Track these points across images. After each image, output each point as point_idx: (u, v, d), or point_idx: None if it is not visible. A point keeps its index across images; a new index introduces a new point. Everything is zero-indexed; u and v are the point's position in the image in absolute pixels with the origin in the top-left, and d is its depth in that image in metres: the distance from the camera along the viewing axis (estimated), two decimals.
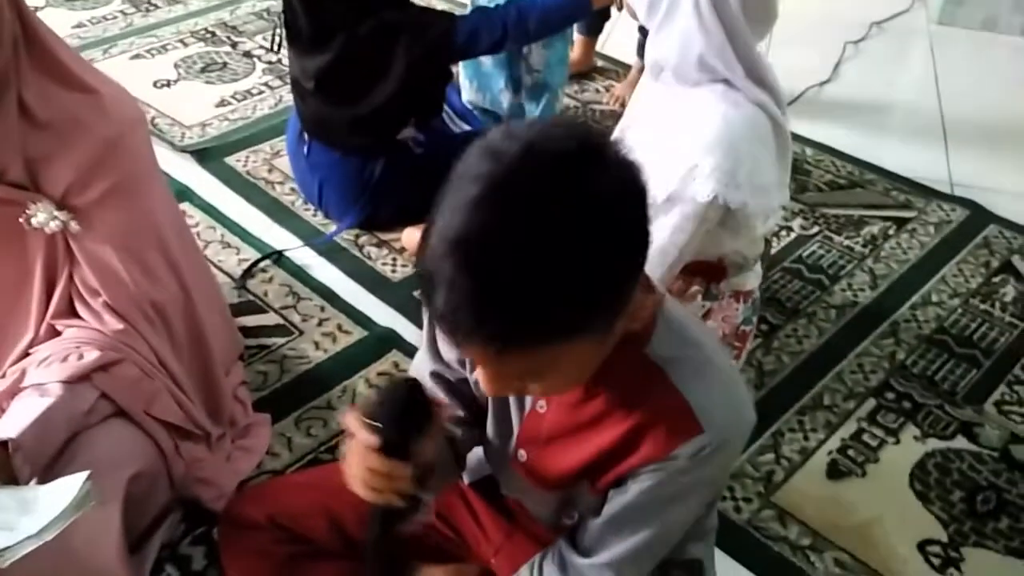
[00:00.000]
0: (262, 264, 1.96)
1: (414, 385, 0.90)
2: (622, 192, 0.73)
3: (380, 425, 0.85)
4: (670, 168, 1.32)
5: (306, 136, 2.02)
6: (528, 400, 0.98)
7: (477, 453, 1.12)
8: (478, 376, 0.82)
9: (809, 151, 2.44)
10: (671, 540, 1.00)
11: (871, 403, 1.71)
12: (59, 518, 0.95)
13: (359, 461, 0.87)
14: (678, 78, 1.37)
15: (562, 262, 0.69)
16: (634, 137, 1.42)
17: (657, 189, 1.33)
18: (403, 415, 0.86)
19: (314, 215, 2.13)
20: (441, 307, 0.71)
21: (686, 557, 1.09)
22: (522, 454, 1.01)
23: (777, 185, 1.39)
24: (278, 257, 1.99)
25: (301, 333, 1.80)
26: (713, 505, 1.11)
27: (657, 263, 1.37)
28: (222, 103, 2.53)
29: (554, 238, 0.68)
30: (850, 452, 1.62)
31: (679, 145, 1.34)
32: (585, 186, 0.70)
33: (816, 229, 2.17)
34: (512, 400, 1.00)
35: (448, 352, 1.03)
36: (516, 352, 0.73)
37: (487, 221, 0.69)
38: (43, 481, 1.13)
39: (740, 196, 1.31)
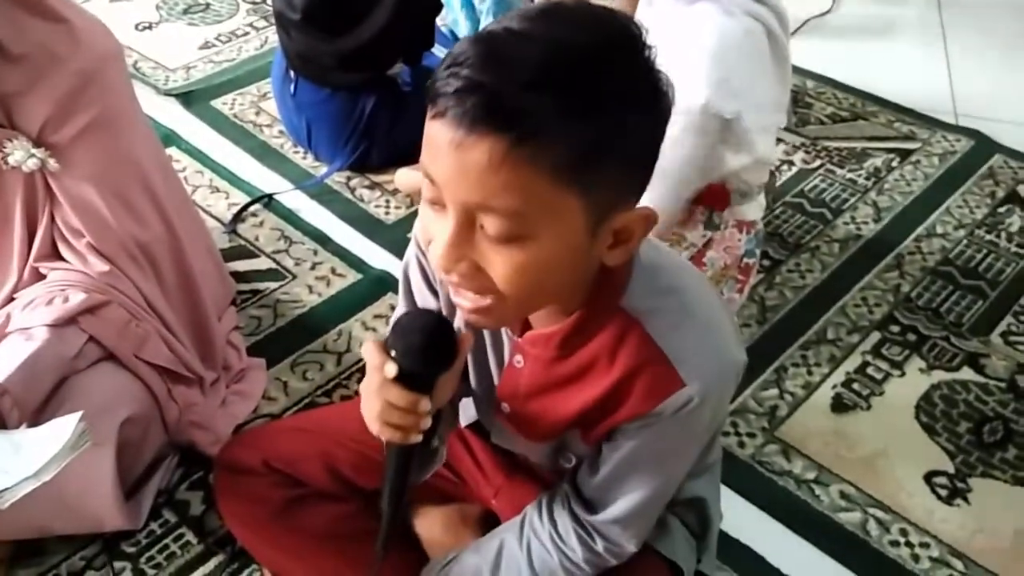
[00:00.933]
0: (252, 208, 1.91)
1: (440, 316, 0.84)
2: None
3: (402, 355, 0.79)
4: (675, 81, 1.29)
5: (292, 74, 1.96)
6: (506, 353, 0.94)
7: (470, 399, 1.10)
8: (438, 239, 0.73)
9: (810, 83, 2.39)
10: (674, 487, 0.98)
11: (876, 336, 1.69)
12: (55, 458, 0.92)
13: (376, 393, 0.81)
14: None
15: (602, 81, 0.67)
16: None
17: None
18: (427, 346, 0.80)
19: (304, 157, 2.07)
20: (472, 76, 0.66)
21: (688, 495, 1.07)
22: (505, 407, 0.98)
23: (775, 103, 1.35)
24: (268, 201, 1.94)
25: (294, 277, 1.76)
26: (714, 440, 1.09)
27: (661, 185, 1.33)
28: (206, 45, 2.46)
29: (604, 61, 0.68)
30: (855, 386, 1.60)
31: (675, 59, 1.30)
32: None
33: (818, 163, 2.13)
34: (490, 352, 0.96)
35: (425, 298, 0.99)
36: (516, 167, 0.66)
37: (540, 25, 0.69)
38: (32, 426, 1.10)
39: (734, 105, 1.28)
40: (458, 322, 0.92)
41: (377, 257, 1.82)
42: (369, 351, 0.81)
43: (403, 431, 0.81)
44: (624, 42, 0.71)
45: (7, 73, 1.13)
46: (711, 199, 1.46)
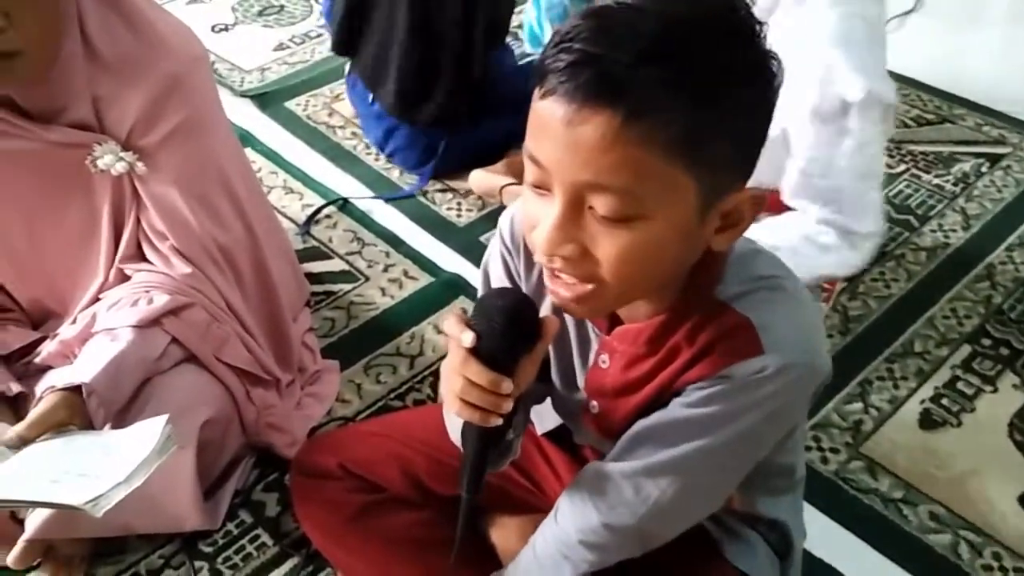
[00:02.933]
0: (326, 210, 1.92)
1: (524, 296, 0.81)
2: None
3: (484, 334, 0.76)
4: (801, 80, 1.23)
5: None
6: (592, 355, 0.91)
7: (547, 405, 1.07)
8: (543, 222, 0.71)
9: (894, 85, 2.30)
10: (689, 491, 0.88)
11: (966, 350, 1.62)
12: (144, 463, 0.92)
13: (457, 369, 0.77)
14: None
15: (722, 63, 0.66)
16: None
17: (796, 107, 1.25)
18: (511, 325, 0.76)
19: (376, 160, 2.07)
20: (585, 50, 0.64)
21: (771, 516, 1.03)
22: (594, 405, 0.95)
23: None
24: (344, 204, 1.94)
25: (367, 279, 1.76)
26: (798, 456, 1.03)
27: (866, 187, 1.29)
28: (280, 47, 2.48)
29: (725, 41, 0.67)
30: (944, 401, 1.53)
31: (807, 60, 1.24)
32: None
33: (903, 167, 2.05)
34: (575, 352, 0.94)
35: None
36: (629, 143, 0.64)
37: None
38: (117, 426, 1.11)
39: (889, 87, 1.22)
40: (544, 309, 0.89)
41: (449, 260, 1.81)
42: (451, 324, 0.78)
43: (482, 412, 0.78)
44: (736, 16, 0.69)
45: (99, 77, 1.14)
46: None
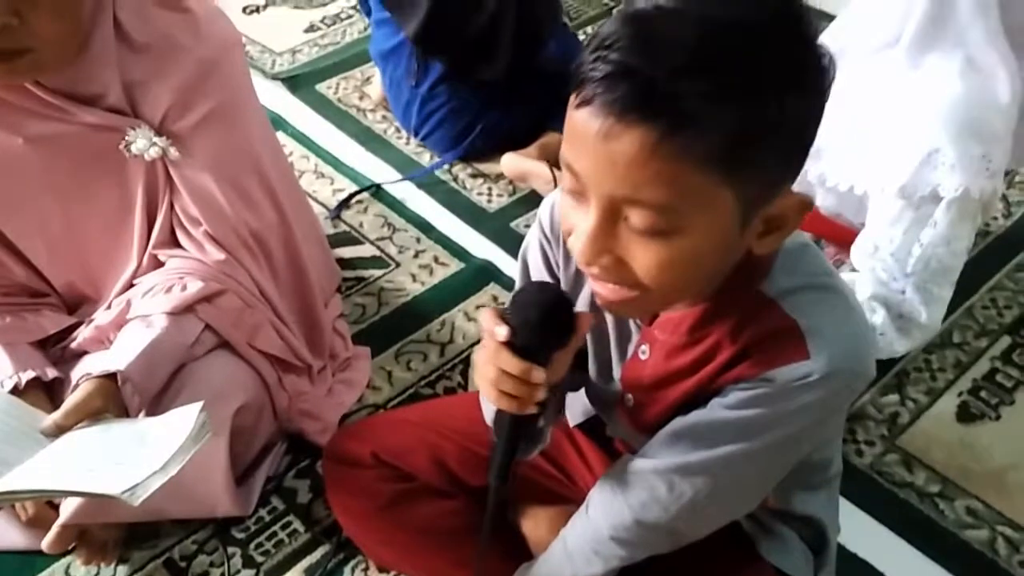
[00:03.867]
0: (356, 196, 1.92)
1: (559, 292, 0.82)
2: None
3: (518, 328, 0.77)
4: (901, 154, 1.16)
5: (416, 64, 1.94)
6: (631, 346, 0.90)
7: (581, 396, 1.06)
8: (578, 231, 0.71)
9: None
10: (728, 492, 0.88)
11: (1006, 341, 1.59)
12: (180, 451, 0.93)
13: (491, 359, 0.78)
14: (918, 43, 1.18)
15: (760, 75, 0.63)
16: (846, 115, 1.26)
17: (885, 178, 1.18)
18: (543, 321, 0.78)
19: (407, 143, 2.07)
20: (622, 60, 0.63)
21: (806, 512, 1.01)
22: (629, 398, 0.94)
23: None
24: (377, 189, 1.93)
25: (398, 265, 1.76)
26: (834, 451, 1.01)
27: (943, 282, 1.25)
28: (311, 28, 2.47)
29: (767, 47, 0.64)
30: (983, 394, 1.50)
31: (912, 124, 1.16)
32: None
33: None
34: (613, 344, 0.93)
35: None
36: (667, 159, 0.63)
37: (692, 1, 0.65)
38: (151, 413, 1.12)
39: (993, 184, 1.13)
40: (581, 304, 0.90)
41: (479, 246, 1.80)
42: (486, 318, 0.79)
43: (517, 401, 0.79)
44: (783, 17, 0.66)
45: (132, 62, 1.14)
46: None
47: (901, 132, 1.18)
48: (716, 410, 0.82)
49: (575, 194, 0.71)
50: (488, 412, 0.93)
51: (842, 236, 1.37)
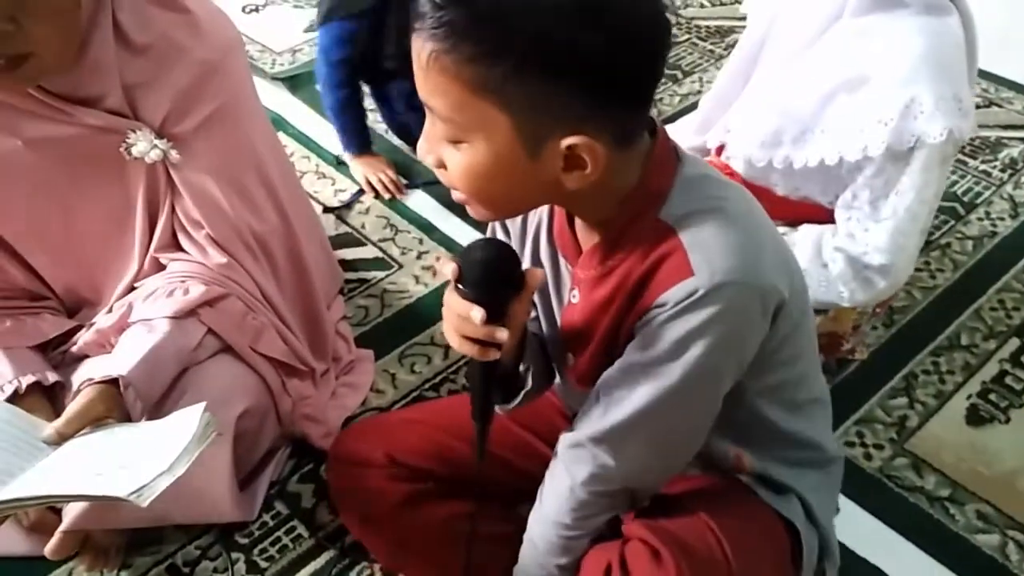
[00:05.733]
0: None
1: (502, 246, 0.84)
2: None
3: (465, 281, 0.81)
4: (876, 112, 1.17)
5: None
6: (565, 293, 0.92)
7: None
8: None
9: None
10: (666, 446, 0.90)
11: (1014, 343, 1.58)
12: (185, 452, 0.92)
13: (445, 301, 0.84)
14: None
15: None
16: (801, 82, 1.26)
17: (868, 141, 1.18)
18: (486, 274, 0.81)
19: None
20: None
21: (793, 487, 1.00)
22: (570, 358, 0.96)
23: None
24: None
25: (400, 266, 1.74)
26: (812, 428, 1.00)
27: (911, 230, 1.24)
28: (311, 27, 2.45)
29: None
30: (992, 396, 1.49)
31: (880, 82, 1.17)
32: None
33: None
34: (553, 295, 0.96)
35: (497, 234, 0.99)
36: (440, 72, 0.71)
37: None
38: (153, 418, 1.10)
39: (969, 123, 1.14)
40: (525, 260, 0.95)
41: None
42: (441, 262, 0.85)
43: (480, 347, 0.83)
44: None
45: (132, 64, 1.13)
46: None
47: (872, 92, 1.18)
48: (628, 354, 0.84)
49: None
50: None
51: (816, 215, 1.37)
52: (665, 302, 0.78)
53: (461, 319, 0.82)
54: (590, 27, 0.69)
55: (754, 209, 0.85)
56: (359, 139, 1.94)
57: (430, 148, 0.79)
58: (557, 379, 1.08)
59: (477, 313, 0.80)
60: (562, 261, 0.93)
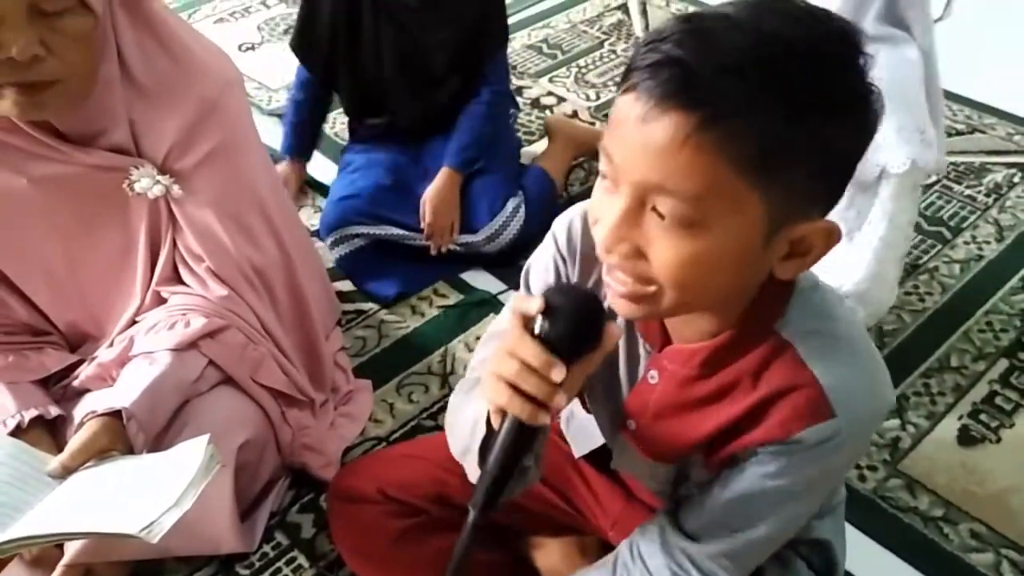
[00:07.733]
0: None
1: (593, 294, 0.75)
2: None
3: (555, 307, 0.70)
4: None
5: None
6: (640, 368, 0.90)
7: (585, 426, 1.06)
8: (605, 218, 0.70)
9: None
10: (786, 537, 0.91)
11: (1003, 364, 1.60)
12: (191, 485, 0.93)
13: (512, 347, 0.71)
14: None
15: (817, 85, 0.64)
16: None
17: None
18: (582, 308, 0.71)
19: None
20: (670, 52, 0.64)
21: (812, 536, 1.02)
22: (631, 424, 0.94)
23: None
24: None
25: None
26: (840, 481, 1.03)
27: (887, 257, 1.26)
28: None
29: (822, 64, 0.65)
30: (982, 417, 1.51)
31: None
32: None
33: (934, 179, 2.03)
34: (623, 366, 0.92)
35: None
36: (700, 149, 0.63)
37: (752, 13, 0.66)
38: (155, 450, 1.12)
39: (932, 154, 1.18)
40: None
41: (478, 278, 1.81)
42: (518, 298, 0.74)
43: (532, 405, 0.71)
44: (837, 45, 0.67)
45: (136, 101, 1.15)
46: None
47: None
48: (758, 480, 0.83)
49: (608, 181, 0.72)
50: (457, 441, 0.90)
51: None
52: (802, 440, 0.78)
53: (526, 371, 0.70)
54: (860, 108, 0.67)
55: (859, 321, 0.84)
56: (288, 142, 2.01)
57: (626, 235, 0.69)
58: (563, 420, 1.08)
59: (559, 372, 0.70)
60: (639, 335, 0.88)
